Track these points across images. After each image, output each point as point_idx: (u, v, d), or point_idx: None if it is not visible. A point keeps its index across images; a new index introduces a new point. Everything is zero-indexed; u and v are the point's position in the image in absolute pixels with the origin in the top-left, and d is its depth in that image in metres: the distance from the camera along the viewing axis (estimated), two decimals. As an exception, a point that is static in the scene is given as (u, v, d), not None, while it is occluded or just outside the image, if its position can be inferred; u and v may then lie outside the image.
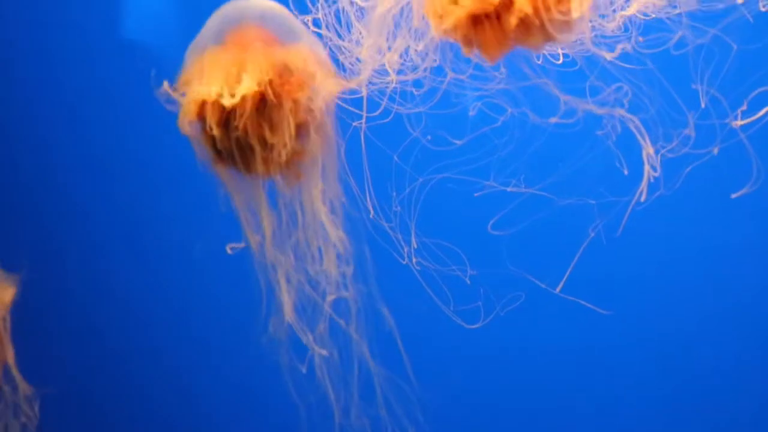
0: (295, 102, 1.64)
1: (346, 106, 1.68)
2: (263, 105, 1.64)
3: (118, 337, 2.99)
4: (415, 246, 1.87)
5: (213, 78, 1.64)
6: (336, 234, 1.88)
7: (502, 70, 1.52)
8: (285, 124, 1.64)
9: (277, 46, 1.68)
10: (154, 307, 2.96)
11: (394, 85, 1.58)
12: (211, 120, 1.65)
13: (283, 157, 1.67)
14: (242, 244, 1.87)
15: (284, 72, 1.64)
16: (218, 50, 1.69)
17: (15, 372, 2.28)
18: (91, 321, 3.00)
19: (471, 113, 1.59)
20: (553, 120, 1.54)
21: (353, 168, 1.81)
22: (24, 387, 2.26)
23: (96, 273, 2.99)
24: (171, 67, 1.81)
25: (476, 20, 1.38)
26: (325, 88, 1.65)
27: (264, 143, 1.66)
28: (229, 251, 1.86)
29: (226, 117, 1.66)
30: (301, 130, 1.69)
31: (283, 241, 1.90)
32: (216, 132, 1.65)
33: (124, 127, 2.92)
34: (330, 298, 1.93)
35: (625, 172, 1.61)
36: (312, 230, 1.87)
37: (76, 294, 2.98)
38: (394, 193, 1.84)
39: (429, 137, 1.74)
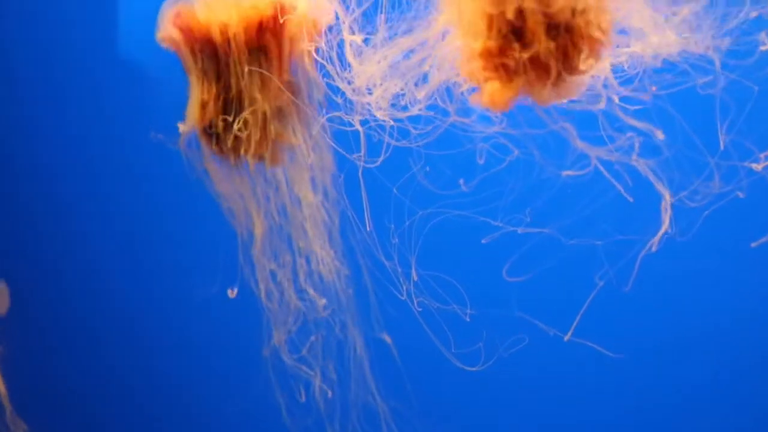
0: (288, 42, 1.63)
1: (340, 150, 1.63)
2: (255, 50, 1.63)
3: (110, 363, 2.96)
4: (415, 278, 1.81)
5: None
6: (323, 241, 1.84)
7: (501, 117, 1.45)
8: (276, 65, 1.63)
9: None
10: (151, 329, 2.94)
11: (392, 124, 1.51)
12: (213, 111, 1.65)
13: (274, 105, 1.63)
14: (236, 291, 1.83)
15: (282, 8, 1.61)
16: None
17: (6, 403, 2.25)
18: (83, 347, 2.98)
19: (480, 161, 1.52)
20: (568, 173, 1.47)
21: (353, 202, 1.76)
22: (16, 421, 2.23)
23: (91, 298, 2.96)
24: (170, 80, 1.77)
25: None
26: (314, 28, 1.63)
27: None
28: (231, 295, 1.83)
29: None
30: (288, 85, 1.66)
31: (276, 258, 1.87)
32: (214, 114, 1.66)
33: (121, 138, 2.89)
34: (322, 312, 1.90)
35: (641, 219, 1.53)
36: (301, 230, 1.84)
37: (71, 311, 2.96)
38: (392, 226, 1.79)
39: (428, 168, 1.67)
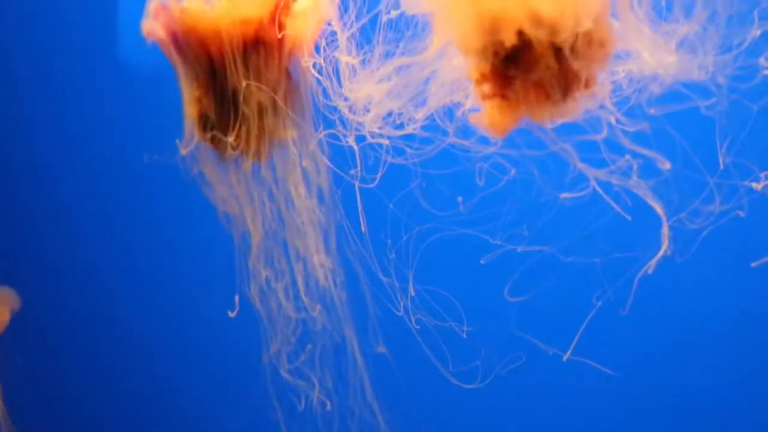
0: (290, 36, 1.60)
1: (337, 171, 1.61)
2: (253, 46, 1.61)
3: (107, 372, 2.95)
4: (412, 294, 1.80)
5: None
6: (320, 248, 1.83)
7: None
8: (274, 58, 1.61)
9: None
10: (149, 339, 2.93)
11: (387, 143, 1.50)
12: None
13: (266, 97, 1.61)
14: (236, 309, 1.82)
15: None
16: None
17: (3, 414, 2.24)
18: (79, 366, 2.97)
19: (480, 182, 1.51)
20: (566, 195, 1.45)
21: (350, 216, 1.75)
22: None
23: (90, 306, 2.95)
24: (171, 82, 1.76)
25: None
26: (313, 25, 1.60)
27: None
28: (231, 315, 1.82)
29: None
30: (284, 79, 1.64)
31: (273, 266, 1.85)
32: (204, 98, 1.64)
33: (121, 145, 2.89)
34: (318, 322, 1.89)
35: (639, 238, 1.52)
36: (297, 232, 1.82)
37: (67, 320, 2.95)
38: (389, 241, 1.77)
39: (423, 183, 1.66)
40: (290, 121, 1.67)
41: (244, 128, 1.65)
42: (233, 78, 1.61)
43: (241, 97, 1.62)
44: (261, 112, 1.64)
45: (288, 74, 1.66)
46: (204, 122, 1.68)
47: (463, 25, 1.24)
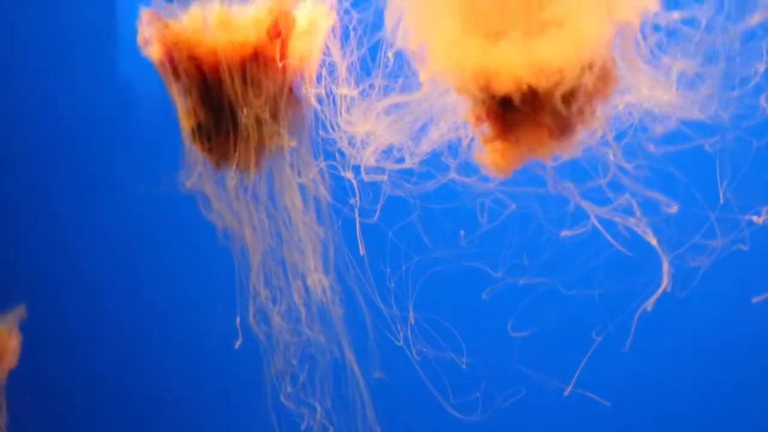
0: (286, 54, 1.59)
1: (336, 203, 1.61)
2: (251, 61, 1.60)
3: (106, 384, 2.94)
4: (412, 322, 1.79)
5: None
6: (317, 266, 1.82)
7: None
8: (273, 72, 1.60)
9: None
10: (147, 362, 2.91)
11: (384, 179, 1.49)
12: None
13: (265, 114, 1.60)
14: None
15: (283, 17, 1.58)
16: None
17: None
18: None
19: (482, 219, 1.50)
20: (567, 233, 1.44)
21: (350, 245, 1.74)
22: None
23: (90, 322, 2.94)
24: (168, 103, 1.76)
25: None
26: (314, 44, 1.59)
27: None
28: (237, 345, 1.81)
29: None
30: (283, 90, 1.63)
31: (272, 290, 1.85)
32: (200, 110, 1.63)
33: (122, 162, 2.88)
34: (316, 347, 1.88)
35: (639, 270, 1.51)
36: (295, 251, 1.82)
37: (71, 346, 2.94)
38: (388, 270, 1.77)
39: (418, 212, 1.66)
40: (288, 131, 1.66)
41: (241, 138, 1.64)
42: (229, 90, 1.60)
43: (238, 109, 1.61)
44: (258, 122, 1.63)
45: (290, 86, 1.65)
46: (200, 134, 1.67)
47: (458, 75, 1.23)
